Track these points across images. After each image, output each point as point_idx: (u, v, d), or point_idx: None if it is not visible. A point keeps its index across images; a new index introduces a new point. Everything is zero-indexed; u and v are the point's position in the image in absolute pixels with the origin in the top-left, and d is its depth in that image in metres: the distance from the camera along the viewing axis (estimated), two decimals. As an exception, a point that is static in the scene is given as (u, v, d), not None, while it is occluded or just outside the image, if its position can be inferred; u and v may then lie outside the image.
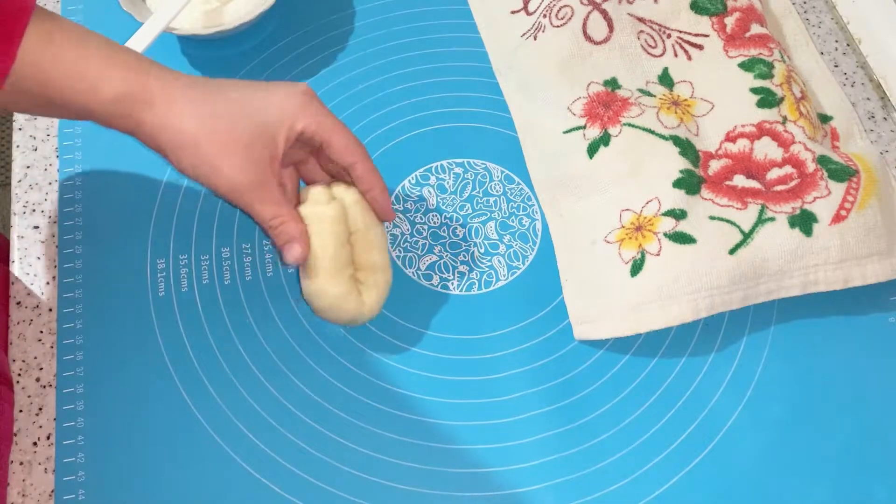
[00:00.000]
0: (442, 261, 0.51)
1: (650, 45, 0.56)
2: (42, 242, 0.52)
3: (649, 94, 0.53)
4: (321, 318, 0.47)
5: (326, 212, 0.44)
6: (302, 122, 0.42)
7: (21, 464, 0.45)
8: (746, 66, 0.54)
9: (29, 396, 0.46)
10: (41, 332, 0.48)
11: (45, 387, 0.47)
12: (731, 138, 0.52)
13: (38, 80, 0.40)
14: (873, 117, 0.57)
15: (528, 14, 0.59)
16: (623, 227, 0.48)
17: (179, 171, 0.42)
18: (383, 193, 0.46)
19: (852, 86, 0.59)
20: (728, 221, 0.47)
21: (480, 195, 0.54)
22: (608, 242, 0.48)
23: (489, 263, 0.51)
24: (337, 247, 0.44)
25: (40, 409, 0.46)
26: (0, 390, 0.46)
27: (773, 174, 0.50)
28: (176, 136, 0.41)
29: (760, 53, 0.54)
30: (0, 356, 0.47)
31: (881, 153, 0.56)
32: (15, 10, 0.39)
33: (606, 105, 0.52)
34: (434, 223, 0.52)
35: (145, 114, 0.41)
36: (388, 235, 0.50)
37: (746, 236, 0.47)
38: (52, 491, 0.44)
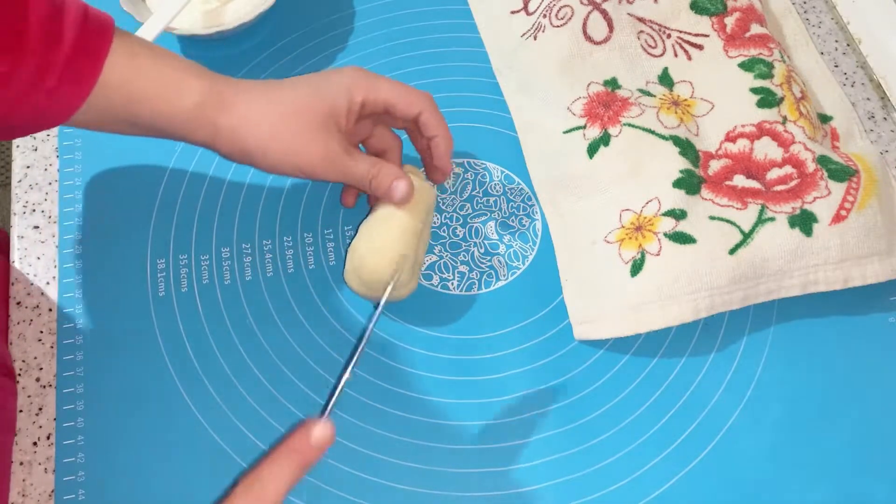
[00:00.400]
0: (442, 261, 0.51)
1: (650, 45, 0.56)
2: (42, 242, 0.52)
3: (649, 94, 0.53)
4: (361, 292, 0.47)
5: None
6: (360, 94, 0.45)
7: (21, 464, 0.45)
8: (746, 66, 0.54)
9: (29, 396, 0.46)
10: (41, 332, 0.48)
11: (45, 387, 0.47)
12: (731, 138, 0.52)
13: (125, 94, 0.42)
14: (873, 117, 0.57)
15: (528, 14, 0.59)
16: (623, 227, 0.48)
17: (266, 168, 0.45)
18: (447, 141, 0.48)
19: (852, 86, 0.59)
20: (728, 221, 0.47)
21: (480, 195, 0.54)
22: (608, 242, 0.48)
23: (489, 263, 0.51)
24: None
25: (40, 409, 0.46)
26: (2, 382, 0.46)
27: (773, 174, 0.50)
28: (258, 135, 0.44)
29: (760, 53, 0.54)
30: (2, 348, 0.47)
31: (881, 153, 0.56)
32: (99, 29, 0.42)
33: (606, 105, 0.52)
34: (434, 223, 0.52)
35: (224, 118, 0.43)
36: None
37: (746, 236, 0.47)
38: (52, 491, 0.44)
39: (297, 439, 0.38)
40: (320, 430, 0.38)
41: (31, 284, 0.50)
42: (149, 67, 0.43)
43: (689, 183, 0.49)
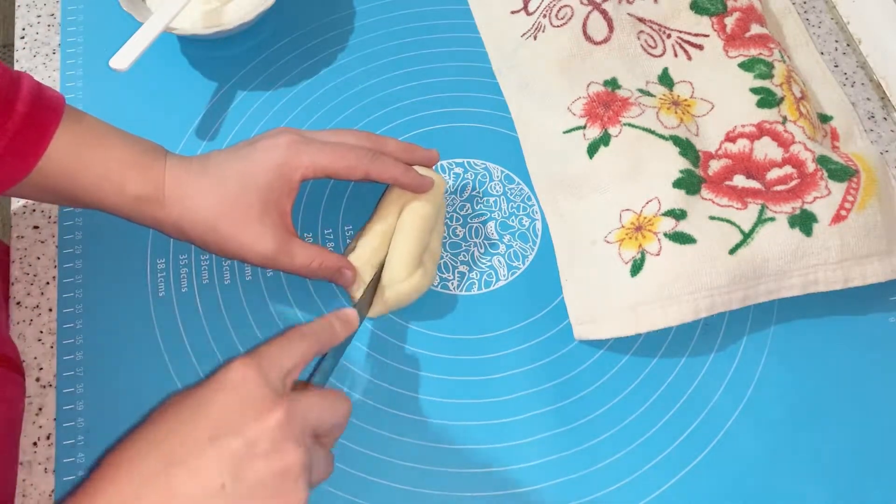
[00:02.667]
0: (442, 261, 0.51)
1: (650, 45, 0.56)
2: (42, 242, 0.52)
3: (649, 94, 0.53)
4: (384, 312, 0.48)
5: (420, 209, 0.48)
6: (299, 171, 0.45)
7: (21, 464, 0.45)
8: (746, 66, 0.54)
9: (29, 396, 0.46)
10: (41, 332, 0.48)
11: (45, 387, 0.47)
12: (731, 138, 0.52)
13: (67, 179, 0.44)
14: (873, 117, 0.57)
15: (528, 14, 0.59)
16: (623, 227, 0.48)
17: (211, 252, 0.47)
18: (407, 176, 0.47)
19: (852, 86, 0.59)
20: (728, 221, 0.47)
21: (480, 195, 0.54)
22: (608, 242, 0.48)
23: (489, 263, 0.51)
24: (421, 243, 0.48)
25: (40, 409, 0.46)
26: (10, 376, 0.46)
27: (773, 174, 0.50)
28: (197, 227, 0.45)
29: (760, 53, 0.54)
30: (11, 346, 0.47)
31: (881, 153, 0.56)
32: (50, 105, 0.43)
33: (606, 105, 0.52)
34: (434, 223, 0.52)
35: (163, 211, 0.45)
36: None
37: (746, 236, 0.47)
38: (52, 491, 0.44)
39: (313, 323, 0.39)
40: (342, 312, 0.40)
41: (31, 284, 0.50)
42: (91, 158, 0.44)
43: (689, 183, 0.49)
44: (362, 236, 0.48)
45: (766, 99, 0.52)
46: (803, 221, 0.47)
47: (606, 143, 0.51)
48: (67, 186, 0.44)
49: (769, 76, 0.53)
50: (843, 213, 0.47)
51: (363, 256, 0.47)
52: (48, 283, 0.50)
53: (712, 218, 0.47)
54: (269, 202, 0.45)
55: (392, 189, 0.49)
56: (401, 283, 0.47)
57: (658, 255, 0.46)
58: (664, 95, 0.54)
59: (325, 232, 0.52)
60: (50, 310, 0.49)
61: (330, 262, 0.46)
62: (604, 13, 0.55)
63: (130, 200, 0.45)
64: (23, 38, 0.59)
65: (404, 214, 0.47)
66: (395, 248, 0.47)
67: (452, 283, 0.50)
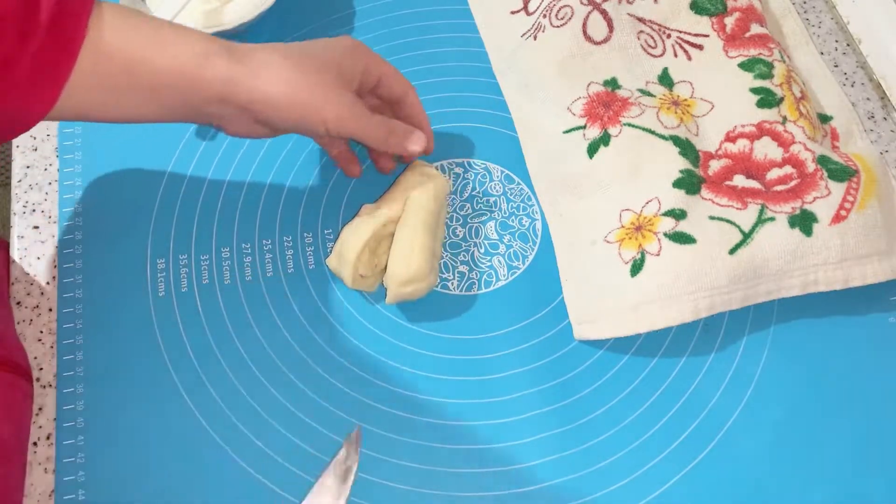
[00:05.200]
0: (442, 261, 0.51)
1: (650, 46, 0.56)
2: (42, 242, 0.52)
3: (649, 94, 0.53)
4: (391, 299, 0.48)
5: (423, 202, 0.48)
6: (362, 59, 0.46)
7: (21, 464, 0.45)
8: (746, 66, 0.54)
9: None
10: (41, 332, 0.48)
11: (45, 387, 0.47)
12: (730, 138, 0.52)
13: (120, 57, 0.40)
14: (873, 117, 0.57)
15: (528, 14, 0.59)
16: (623, 226, 0.48)
17: (283, 123, 0.44)
18: (427, 122, 0.50)
19: (852, 86, 0.59)
20: (728, 221, 0.47)
21: (480, 195, 0.54)
22: (608, 242, 0.48)
23: (489, 263, 0.51)
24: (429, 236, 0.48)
25: (40, 409, 0.46)
26: (18, 383, 0.46)
27: (773, 174, 0.50)
28: (281, 84, 0.42)
29: (760, 53, 0.54)
30: (17, 349, 0.48)
31: (881, 153, 0.56)
32: None
33: (606, 105, 0.52)
34: (434, 223, 0.52)
35: (239, 67, 0.41)
36: None
37: (746, 236, 0.47)
38: (52, 491, 0.44)
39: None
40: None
41: (31, 284, 0.50)
42: (144, 25, 0.41)
43: (689, 183, 0.49)
44: (367, 216, 0.48)
45: (766, 99, 0.52)
46: (803, 221, 0.47)
47: (606, 143, 0.51)
48: (128, 61, 0.40)
49: (769, 76, 0.53)
50: (843, 213, 0.47)
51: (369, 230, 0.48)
52: (48, 283, 0.50)
53: (712, 218, 0.47)
54: (342, 77, 0.45)
55: (399, 182, 0.49)
56: (422, 282, 0.47)
57: (658, 255, 0.46)
58: (664, 95, 0.54)
59: (325, 232, 0.52)
60: (50, 310, 0.49)
61: (402, 126, 0.48)
62: (604, 13, 0.55)
63: (199, 59, 0.40)
64: (23, 38, 0.59)
65: (411, 206, 0.48)
66: (413, 240, 0.47)
67: (452, 283, 0.50)
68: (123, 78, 0.40)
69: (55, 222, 0.52)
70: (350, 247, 0.47)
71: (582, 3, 0.55)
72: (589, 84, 0.54)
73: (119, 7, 0.41)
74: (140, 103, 0.42)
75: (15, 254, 0.51)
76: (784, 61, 0.54)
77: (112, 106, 0.41)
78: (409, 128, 0.48)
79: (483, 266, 0.51)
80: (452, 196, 0.54)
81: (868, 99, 0.58)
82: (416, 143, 0.48)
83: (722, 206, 0.48)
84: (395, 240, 0.47)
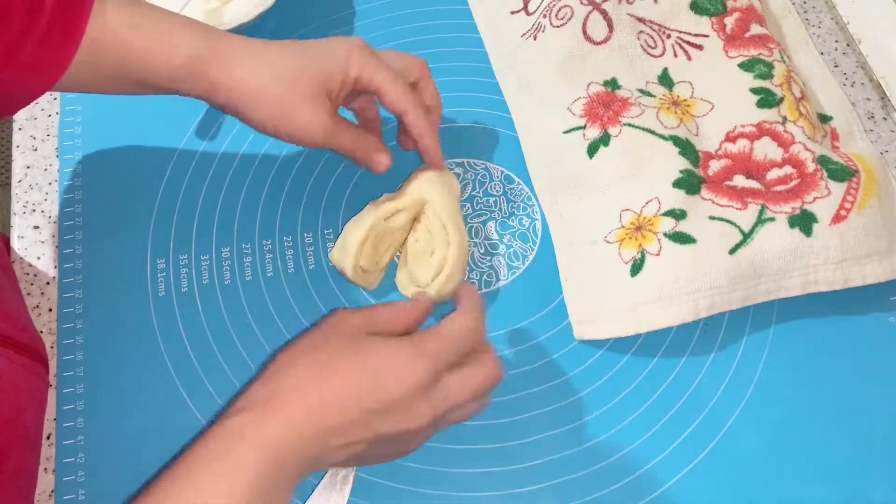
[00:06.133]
0: (442, 261, 0.51)
1: (650, 46, 0.56)
2: (42, 242, 0.52)
3: (649, 95, 0.53)
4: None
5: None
6: (355, 69, 0.46)
7: (21, 464, 0.45)
8: (746, 66, 0.54)
9: (29, 396, 0.46)
10: (41, 331, 0.48)
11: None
12: (730, 138, 0.52)
13: (118, 50, 0.43)
14: (873, 117, 0.57)
15: (528, 14, 0.59)
16: (623, 227, 0.48)
17: (255, 126, 0.45)
18: (433, 140, 0.48)
19: (852, 86, 0.59)
20: (728, 221, 0.47)
21: (480, 195, 0.54)
22: (608, 242, 0.48)
23: (489, 263, 0.51)
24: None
25: (40, 409, 0.46)
26: (34, 367, 0.46)
27: (773, 174, 0.50)
28: (252, 92, 0.44)
29: (760, 53, 0.54)
30: (37, 336, 0.48)
31: (881, 153, 0.56)
32: None
33: (606, 105, 0.52)
34: (434, 223, 0.52)
35: (220, 73, 0.44)
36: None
37: (746, 236, 0.47)
38: (52, 491, 0.44)
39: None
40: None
41: (31, 284, 0.50)
42: (146, 21, 0.43)
43: (688, 183, 0.49)
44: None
45: (766, 99, 0.52)
46: (803, 221, 0.47)
47: (606, 143, 0.51)
48: (122, 55, 0.43)
49: (769, 76, 0.53)
50: (843, 213, 0.47)
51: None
52: (48, 283, 0.50)
53: (712, 218, 0.47)
54: (325, 83, 0.45)
55: (412, 181, 0.49)
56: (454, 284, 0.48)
57: (658, 255, 0.46)
58: (664, 95, 0.54)
59: (325, 232, 0.52)
60: (50, 310, 0.49)
61: (369, 144, 0.48)
62: (604, 13, 0.55)
63: (186, 60, 0.43)
64: (23, 38, 0.59)
65: (440, 210, 0.48)
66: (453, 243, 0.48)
67: (452, 283, 0.50)
68: (116, 68, 0.44)
69: (55, 222, 0.52)
70: (353, 237, 0.47)
71: (582, 3, 0.55)
72: (589, 84, 0.54)
73: (122, 3, 0.43)
74: (130, 90, 0.46)
75: (15, 254, 0.51)
76: (784, 61, 0.54)
77: (102, 87, 0.46)
78: (376, 146, 0.48)
79: (483, 266, 0.51)
80: (452, 196, 0.54)
81: (868, 99, 0.58)
82: (379, 165, 0.48)
83: (722, 206, 0.48)
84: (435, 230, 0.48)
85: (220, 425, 0.36)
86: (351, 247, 0.47)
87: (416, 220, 0.49)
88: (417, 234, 0.49)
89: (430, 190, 0.48)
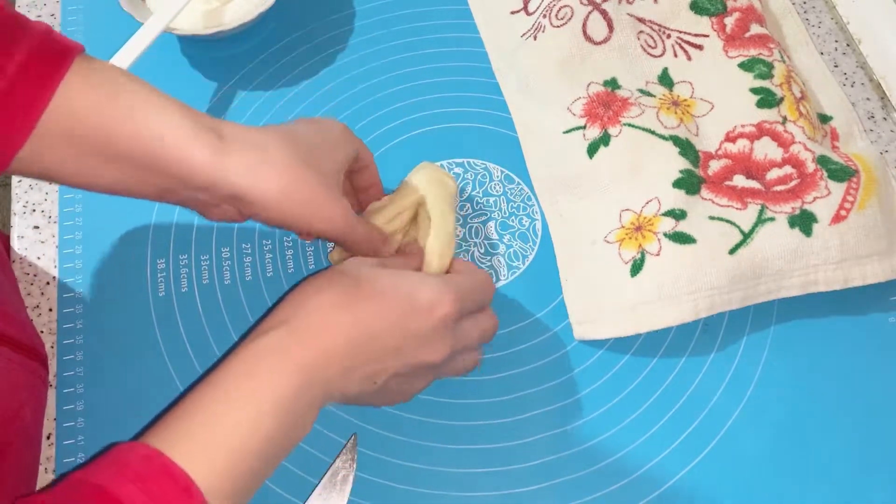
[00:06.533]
0: (442, 261, 0.51)
1: (650, 46, 0.56)
2: (42, 242, 0.52)
3: (649, 95, 0.53)
4: None
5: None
6: (354, 145, 0.45)
7: (21, 464, 0.45)
8: (746, 66, 0.54)
9: (29, 396, 0.46)
10: (41, 332, 0.48)
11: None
12: (730, 138, 0.52)
13: (97, 113, 0.36)
14: (873, 117, 0.57)
15: (528, 14, 0.59)
16: (623, 227, 0.48)
17: (273, 221, 0.39)
18: (379, 190, 0.49)
19: (852, 86, 0.59)
20: (728, 221, 0.47)
21: (480, 195, 0.54)
22: (608, 242, 0.48)
23: (489, 263, 0.51)
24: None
25: (40, 409, 0.46)
26: (32, 366, 0.46)
27: (773, 174, 0.50)
28: (272, 194, 0.37)
29: (760, 53, 0.54)
30: (36, 335, 0.48)
31: (881, 153, 0.56)
32: (63, 47, 0.36)
33: (606, 105, 0.52)
34: (434, 223, 0.52)
35: (232, 174, 0.37)
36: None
37: (746, 236, 0.47)
38: (52, 491, 0.44)
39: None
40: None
41: (31, 284, 0.50)
42: (127, 87, 0.37)
43: (688, 183, 0.49)
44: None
45: (766, 99, 0.52)
46: (803, 221, 0.47)
47: (606, 143, 0.51)
48: (100, 125, 0.36)
49: (769, 76, 0.53)
50: (843, 213, 0.47)
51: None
52: (48, 283, 0.50)
53: (712, 218, 0.47)
54: (339, 169, 0.42)
55: (409, 182, 0.49)
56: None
57: (658, 255, 0.46)
58: (664, 95, 0.54)
59: (325, 232, 0.52)
60: (50, 310, 0.49)
61: (376, 244, 0.44)
62: (604, 13, 0.55)
63: (182, 137, 0.36)
64: (23, 38, 0.59)
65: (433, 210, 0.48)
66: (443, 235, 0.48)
67: (452, 283, 0.50)
68: (95, 142, 0.36)
69: (55, 222, 0.52)
70: None
71: (582, 3, 0.55)
72: (589, 84, 0.54)
73: (99, 67, 0.37)
74: (112, 173, 0.38)
75: (15, 254, 0.51)
76: (784, 61, 0.54)
77: (83, 168, 0.37)
78: (383, 236, 0.45)
79: (483, 266, 0.51)
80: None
81: (868, 99, 0.58)
82: (385, 252, 0.45)
83: (722, 206, 0.48)
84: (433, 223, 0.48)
85: (252, 343, 0.36)
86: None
87: (413, 219, 0.49)
88: (410, 235, 0.49)
89: (426, 189, 0.48)
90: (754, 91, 0.53)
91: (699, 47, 0.56)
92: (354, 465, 0.44)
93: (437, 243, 0.46)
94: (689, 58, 0.56)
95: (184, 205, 0.41)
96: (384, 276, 0.39)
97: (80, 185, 0.38)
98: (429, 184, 0.49)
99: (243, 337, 0.38)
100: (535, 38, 0.56)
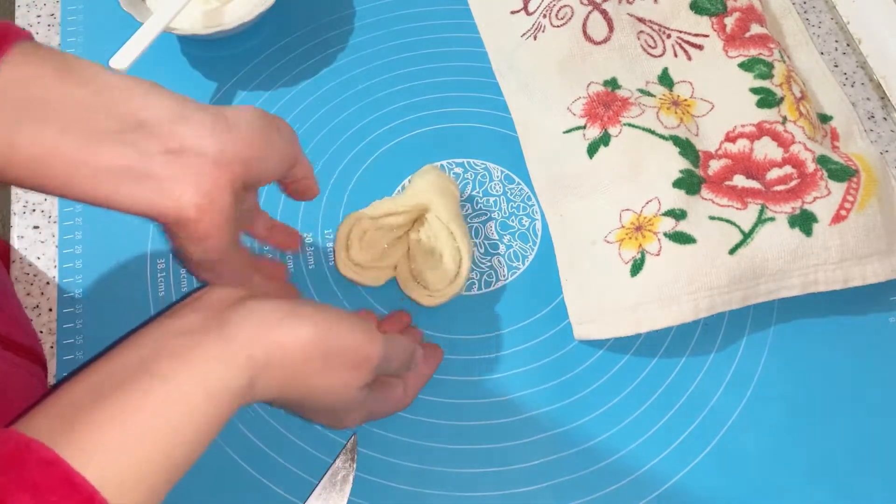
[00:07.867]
0: (442, 261, 0.51)
1: (650, 46, 0.56)
2: (42, 242, 0.52)
3: (649, 94, 0.53)
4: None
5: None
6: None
7: (21, 464, 0.45)
8: (746, 66, 0.54)
9: (29, 396, 0.46)
10: (41, 332, 0.48)
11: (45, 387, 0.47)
12: (730, 138, 0.52)
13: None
14: (873, 117, 0.57)
15: (528, 14, 0.59)
16: (623, 227, 0.48)
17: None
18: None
19: (852, 86, 0.59)
20: (728, 221, 0.47)
21: (480, 195, 0.54)
22: (608, 242, 0.48)
23: (489, 263, 0.51)
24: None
25: (40, 409, 0.46)
26: (33, 369, 0.46)
27: (773, 174, 0.50)
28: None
29: (760, 53, 0.54)
30: (35, 337, 0.48)
31: (881, 153, 0.56)
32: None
33: (606, 105, 0.52)
34: (434, 223, 0.52)
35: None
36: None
37: (746, 236, 0.47)
38: (52, 491, 0.44)
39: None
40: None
41: (31, 284, 0.50)
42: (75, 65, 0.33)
43: (689, 183, 0.49)
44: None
45: (766, 99, 0.52)
46: (803, 221, 0.47)
47: (606, 143, 0.51)
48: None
49: (769, 76, 0.53)
50: (843, 213, 0.47)
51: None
52: (48, 283, 0.50)
53: (712, 218, 0.47)
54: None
55: (412, 186, 0.50)
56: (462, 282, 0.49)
57: (658, 255, 0.46)
58: (664, 95, 0.54)
59: (325, 232, 0.52)
60: (50, 310, 0.49)
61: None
62: (604, 13, 0.55)
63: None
64: (23, 38, 0.59)
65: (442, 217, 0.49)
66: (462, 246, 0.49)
67: (452, 283, 0.50)
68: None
69: (55, 222, 0.52)
70: (343, 225, 0.48)
71: (582, 3, 0.55)
72: (589, 84, 0.54)
73: (45, 52, 0.33)
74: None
75: (15, 254, 0.51)
76: (784, 61, 0.54)
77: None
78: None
79: (483, 266, 0.51)
80: (452, 196, 0.54)
81: (868, 99, 0.58)
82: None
83: (722, 206, 0.48)
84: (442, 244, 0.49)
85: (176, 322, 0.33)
86: (338, 234, 0.48)
87: (417, 220, 0.49)
88: (420, 234, 0.49)
89: (431, 197, 0.49)
90: (754, 91, 0.53)
91: (699, 47, 0.56)
92: (354, 465, 0.44)
93: (465, 245, 0.48)
94: (689, 58, 0.56)
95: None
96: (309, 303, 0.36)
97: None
98: (434, 192, 0.49)
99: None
100: (535, 37, 0.56)
